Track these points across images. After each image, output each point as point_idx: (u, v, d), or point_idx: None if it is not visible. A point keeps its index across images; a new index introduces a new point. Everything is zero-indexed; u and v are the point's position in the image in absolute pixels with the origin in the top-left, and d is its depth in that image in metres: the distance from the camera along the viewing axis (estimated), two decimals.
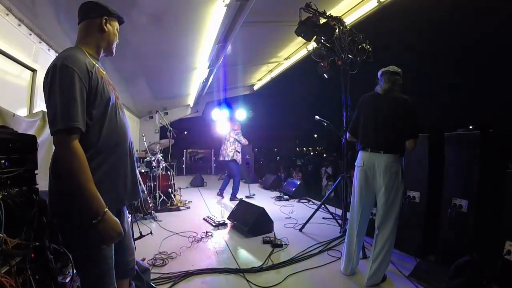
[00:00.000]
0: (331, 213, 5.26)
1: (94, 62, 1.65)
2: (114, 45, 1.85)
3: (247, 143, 7.74)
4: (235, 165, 7.50)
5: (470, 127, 3.31)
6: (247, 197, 7.50)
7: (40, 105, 3.83)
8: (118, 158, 1.69)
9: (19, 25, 3.41)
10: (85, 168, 1.44)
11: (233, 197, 7.50)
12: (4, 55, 3.20)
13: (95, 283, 1.62)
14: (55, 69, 1.47)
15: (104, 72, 1.73)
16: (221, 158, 7.66)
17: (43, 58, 3.99)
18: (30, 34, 3.65)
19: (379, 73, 3.20)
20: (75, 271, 1.97)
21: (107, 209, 1.48)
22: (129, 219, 2.07)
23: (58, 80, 1.45)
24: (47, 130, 3.36)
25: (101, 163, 1.58)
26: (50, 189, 1.59)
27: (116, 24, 1.84)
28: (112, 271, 1.67)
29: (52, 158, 1.55)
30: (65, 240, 1.74)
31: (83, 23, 1.73)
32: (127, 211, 2.07)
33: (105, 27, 1.74)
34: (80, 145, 1.47)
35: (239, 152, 7.55)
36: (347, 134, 3.45)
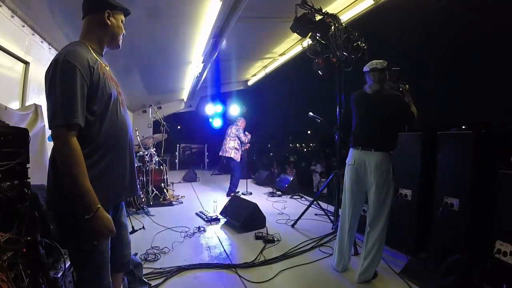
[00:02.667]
0: (323, 210, 5.29)
1: (97, 57, 1.65)
2: (120, 38, 1.84)
3: (247, 141, 7.64)
4: (233, 162, 7.48)
5: (463, 127, 3.33)
6: (243, 194, 7.49)
7: (33, 98, 3.79)
8: (118, 153, 1.70)
9: (12, 16, 3.36)
10: (81, 164, 1.45)
11: (229, 193, 7.46)
12: None
13: (90, 276, 1.63)
14: (56, 64, 1.47)
15: (108, 68, 1.74)
16: (220, 153, 7.67)
17: (36, 50, 3.95)
18: (23, 26, 3.61)
19: (366, 69, 3.18)
20: (67, 265, 1.98)
21: (99, 205, 1.48)
22: None
23: (59, 75, 1.45)
24: (39, 124, 3.34)
25: (101, 158, 1.60)
26: (48, 181, 1.60)
27: (120, 16, 1.81)
28: (108, 265, 1.68)
29: (52, 152, 1.55)
30: (60, 233, 1.73)
31: (86, 18, 1.72)
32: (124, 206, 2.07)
33: (108, 21, 1.72)
34: (81, 140, 1.48)
35: (238, 150, 7.49)
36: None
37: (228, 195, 7.40)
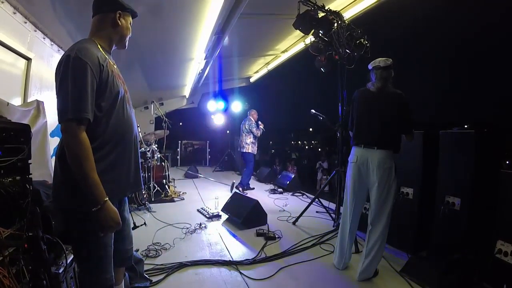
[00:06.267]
0: (324, 207, 5.29)
1: (106, 56, 1.71)
2: (127, 39, 1.92)
3: (259, 134, 7.67)
4: (249, 156, 7.60)
5: (465, 126, 3.32)
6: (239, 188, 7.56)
7: (35, 95, 3.79)
8: (123, 149, 1.75)
9: (14, 13, 3.36)
10: (90, 157, 1.50)
11: (241, 186, 7.60)
12: None
13: (93, 269, 1.68)
14: (68, 60, 1.51)
15: (115, 66, 1.80)
16: (238, 149, 7.87)
17: (38, 46, 3.95)
18: (25, 22, 3.60)
19: (370, 67, 3.17)
20: (69, 261, 1.99)
21: (107, 198, 1.53)
22: None
23: (71, 71, 1.49)
24: (41, 120, 3.34)
25: (107, 153, 1.65)
26: (55, 176, 1.66)
27: (129, 18, 1.89)
28: (110, 258, 1.73)
29: (60, 145, 1.62)
30: (66, 226, 1.78)
31: (97, 16, 1.78)
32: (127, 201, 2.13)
33: (119, 21, 1.79)
34: (88, 134, 1.53)
35: (254, 143, 7.61)
36: (350, 132, 3.42)
37: (241, 186, 7.58)
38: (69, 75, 1.49)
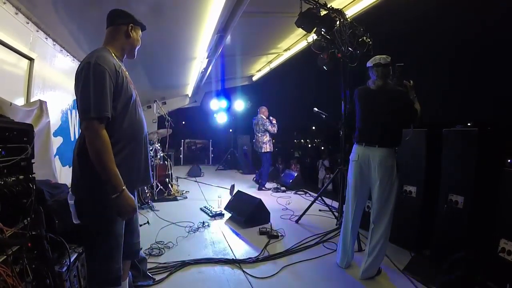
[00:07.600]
0: (327, 205, 5.29)
1: (120, 63, 1.88)
2: (136, 50, 2.14)
3: (275, 130, 7.67)
4: (267, 155, 7.65)
5: (469, 124, 3.31)
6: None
7: (37, 95, 3.80)
8: (135, 147, 1.93)
9: (16, 13, 3.36)
10: (109, 151, 1.69)
11: (261, 187, 7.70)
12: (1, 43, 3.16)
13: (104, 257, 1.84)
14: (88, 66, 1.69)
15: (127, 73, 1.96)
16: (254, 148, 7.97)
17: (41, 47, 3.95)
18: (28, 23, 3.61)
19: (369, 64, 3.15)
20: (72, 259, 1.99)
21: (125, 187, 1.73)
22: None
23: (92, 76, 1.67)
24: (44, 119, 3.35)
25: (120, 149, 1.82)
26: (74, 169, 1.86)
27: (139, 31, 2.11)
28: (121, 249, 1.90)
29: (79, 143, 1.81)
30: (82, 217, 1.91)
31: (111, 27, 1.98)
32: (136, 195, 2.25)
33: (131, 33, 2.00)
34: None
35: (270, 141, 7.66)
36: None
37: (259, 189, 7.68)
38: (91, 79, 1.66)
